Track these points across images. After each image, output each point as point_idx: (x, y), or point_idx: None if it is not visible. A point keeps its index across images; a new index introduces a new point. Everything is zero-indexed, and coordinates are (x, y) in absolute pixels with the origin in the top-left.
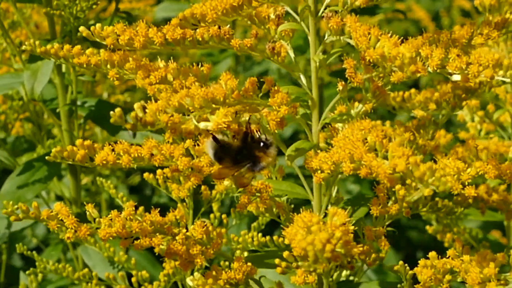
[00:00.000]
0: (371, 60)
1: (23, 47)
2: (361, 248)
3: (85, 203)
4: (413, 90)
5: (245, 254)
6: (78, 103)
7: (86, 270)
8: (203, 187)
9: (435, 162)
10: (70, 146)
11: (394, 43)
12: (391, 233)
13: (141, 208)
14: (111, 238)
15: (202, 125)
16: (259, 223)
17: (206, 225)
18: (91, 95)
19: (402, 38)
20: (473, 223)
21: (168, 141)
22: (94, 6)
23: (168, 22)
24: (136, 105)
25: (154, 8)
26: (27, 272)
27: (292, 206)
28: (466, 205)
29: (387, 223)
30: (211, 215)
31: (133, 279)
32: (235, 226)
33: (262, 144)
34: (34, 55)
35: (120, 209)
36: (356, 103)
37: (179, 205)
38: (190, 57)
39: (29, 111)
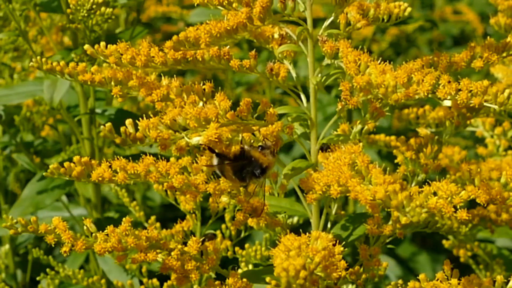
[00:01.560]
0: (358, 87)
1: (31, 64)
2: (340, 273)
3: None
4: (427, 107)
5: (250, 267)
6: (99, 111)
7: (96, 277)
8: (210, 199)
9: (429, 184)
10: (68, 162)
11: (381, 70)
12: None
13: (153, 218)
14: (107, 253)
15: (194, 140)
16: (266, 238)
17: (214, 236)
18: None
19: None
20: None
21: (167, 158)
22: (109, 20)
23: (205, 22)
24: (127, 121)
25: (190, 12)
26: (37, 278)
27: (290, 223)
28: (473, 224)
29: (387, 241)
30: (223, 225)
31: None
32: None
33: (258, 147)
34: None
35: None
36: (359, 121)
37: (187, 216)
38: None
39: (53, 117)
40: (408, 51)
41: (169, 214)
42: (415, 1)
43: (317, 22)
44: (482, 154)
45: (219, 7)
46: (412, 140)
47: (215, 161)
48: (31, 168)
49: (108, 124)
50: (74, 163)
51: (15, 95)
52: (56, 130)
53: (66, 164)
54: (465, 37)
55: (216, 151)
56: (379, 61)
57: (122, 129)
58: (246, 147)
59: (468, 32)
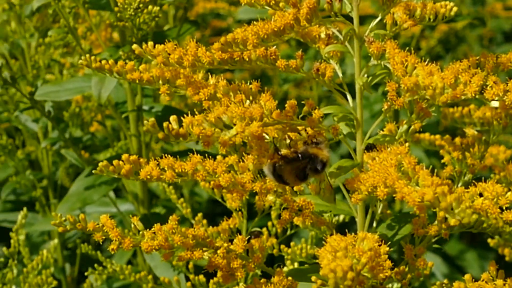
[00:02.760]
0: (406, 88)
1: (79, 62)
2: (387, 273)
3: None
4: (472, 106)
5: (296, 265)
6: (146, 108)
7: (143, 273)
8: (256, 197)
9: (475, 185)
10: (116, 160)
11: (429, 72)
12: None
13: (200, 215)
14: (154, 250)
15: (227, 134)
16: (312, 236)
17: (261, 234)
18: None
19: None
20: None
21: (214, 155)
22: (156, 19)
23: (253, 23)
24: (171, 118)
25: (238, 8)
26: (85, 273)
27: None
28: None
29: (433, 240)
30: (269, 223)
31: (188, 284)
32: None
33: (313, 143)
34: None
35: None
36: (405, 121)
37: (234, 214)
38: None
39: (101, 113)
40: (457, 48)
41: (217, 209)
42: None
43: (365, 19)
44: None
45: (266, 7)
46: (457, 139)
47: (277, 162)
48: (79, 163)
49: (152, 120)
50: (122, 161)
51: (63, 91)
52: (104, 126)
53: (115, 162)
54: None
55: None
56: (426, 62)
57: (165, 124)
58: (303, 146)
59: None
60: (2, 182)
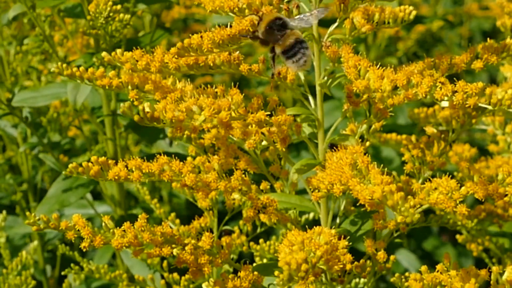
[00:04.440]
0: (358, 91)
1: (52, 69)
2: (341, 265)
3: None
4: (436, 107)
5: (264, 261)
6: (120, 112)
7: (117, 271)
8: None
9: (431, 181)
10: (86, 162)
11: (379, 75)
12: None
13: (172, 215)
14: (124, 247)
15: (198, 120)
16: (282, 233)
17: (232, 232)
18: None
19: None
20: None
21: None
22: (128, 26)
23: (223, 27)
24: (146, 103)
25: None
26: (63, 272)
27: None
28: (480, 219)
29: (395, 235)
30: (240, 222)
31: (162, 282)
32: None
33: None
34: (78, 67)
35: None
36: (365, 121)
37: (205, 213)
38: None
39: (79, 117)
40: (434, 48)
41: (197, 211)
42: None
43: (328, 22)
44: (493, 151)
45: (230, 13)
46: (413, 137)
47: None
48: (58, 167)
49: (127, 103)
50: (92, 162)
51: (40, 97)
52: (81, 130)
53: (84, 164)
54: (496, 32)
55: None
56: (377, 65)
57: (140, 107)
58: None
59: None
60: None
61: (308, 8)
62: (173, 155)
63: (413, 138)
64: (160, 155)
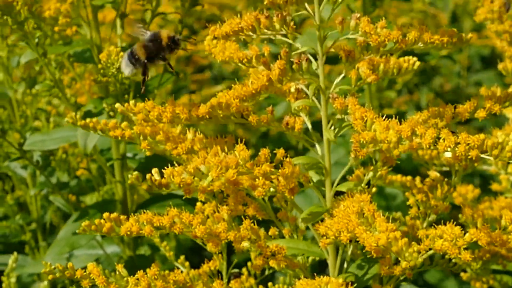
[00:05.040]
0: (364, 142)
1: (66, 119)
2: None
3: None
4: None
5: None
6: (130, 155)
7: None
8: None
9: (435, 227)
10: (98, 219)
11: (385, 126)
12: None
13: (182, 258)
14: None
15: (206, 181)
16: (290, 275)
17: (240, 275)
18: None
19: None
20: None
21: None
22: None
23: (244, 83)
24: (153, 170)
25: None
26: None
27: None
28: (484, 260)
29: (401, 278)
30: (249, 263)
31: None
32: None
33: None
34: (88, 112)
35: None
36: (371, 168)
37: (214, 256)
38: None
39: (86, 158)
40: (433, 79)
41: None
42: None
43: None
44: (496, 190)
45: (240, 64)
46: (417, 180)
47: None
48: (67, 209)
49: (135, 173)
50: (104, 219)
51: (50, 140)
52: (90, 172)
53: (96, 221)
54: (494, 58)
55: None
56: (383, 117)
57: (148, 176)
58: None
59: (498, 52)
60: None
61: (315, 63)
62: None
63: (417, 180)
64: (170, 197)
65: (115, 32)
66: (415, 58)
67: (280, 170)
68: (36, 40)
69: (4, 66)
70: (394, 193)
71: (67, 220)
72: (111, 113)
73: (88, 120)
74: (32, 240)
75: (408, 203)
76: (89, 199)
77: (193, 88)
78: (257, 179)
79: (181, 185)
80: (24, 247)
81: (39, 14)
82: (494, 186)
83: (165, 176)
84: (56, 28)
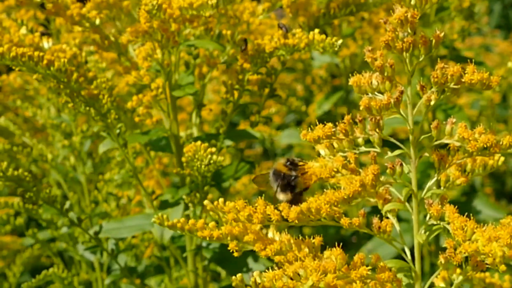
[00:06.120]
0: (466, 254)
1: (152, 220)
2: None
3: None
4: None
5: None
6: (204, 244)
7: None
8: None
9: None
10: None
11: (488, 238)
12: None
13: None
14: None
15: (305, 285)
16: None
17: None
18: None
19: None
20: None
21: None
22: (219, 167)
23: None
24: (255, 273)
25: (279, 133)
26: None
27: None
28: None
29: None
30: None
31: None
32: None
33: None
34: (165, 202)
35: None
36: (458, 271)
37: None
38: None
39: (156, 245)
40: None
41: None
42: None
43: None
44: None
45: (329, 176)
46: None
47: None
48: None
49: (239, 275)
50: None
51: (124, 228)
52: (160, 259)
53: None
54: None
55: None
56: (484, 227)
57: (252, 279)
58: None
59: None
60: None
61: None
62: None
63: None
64: None
65: (191, 120)
66: (502, 158)
67: (376, 275)
68: (118, 131)
69: (76, 150)
70: None
71: None
72: (190, 205)
73: (175, 220)
74: None
75: None
76: (154, 282)
77: None
78: (354, 283)
79: None
80: None
81: (119, 105)
82: None
83: (265, 279)
84: (136, 119)
